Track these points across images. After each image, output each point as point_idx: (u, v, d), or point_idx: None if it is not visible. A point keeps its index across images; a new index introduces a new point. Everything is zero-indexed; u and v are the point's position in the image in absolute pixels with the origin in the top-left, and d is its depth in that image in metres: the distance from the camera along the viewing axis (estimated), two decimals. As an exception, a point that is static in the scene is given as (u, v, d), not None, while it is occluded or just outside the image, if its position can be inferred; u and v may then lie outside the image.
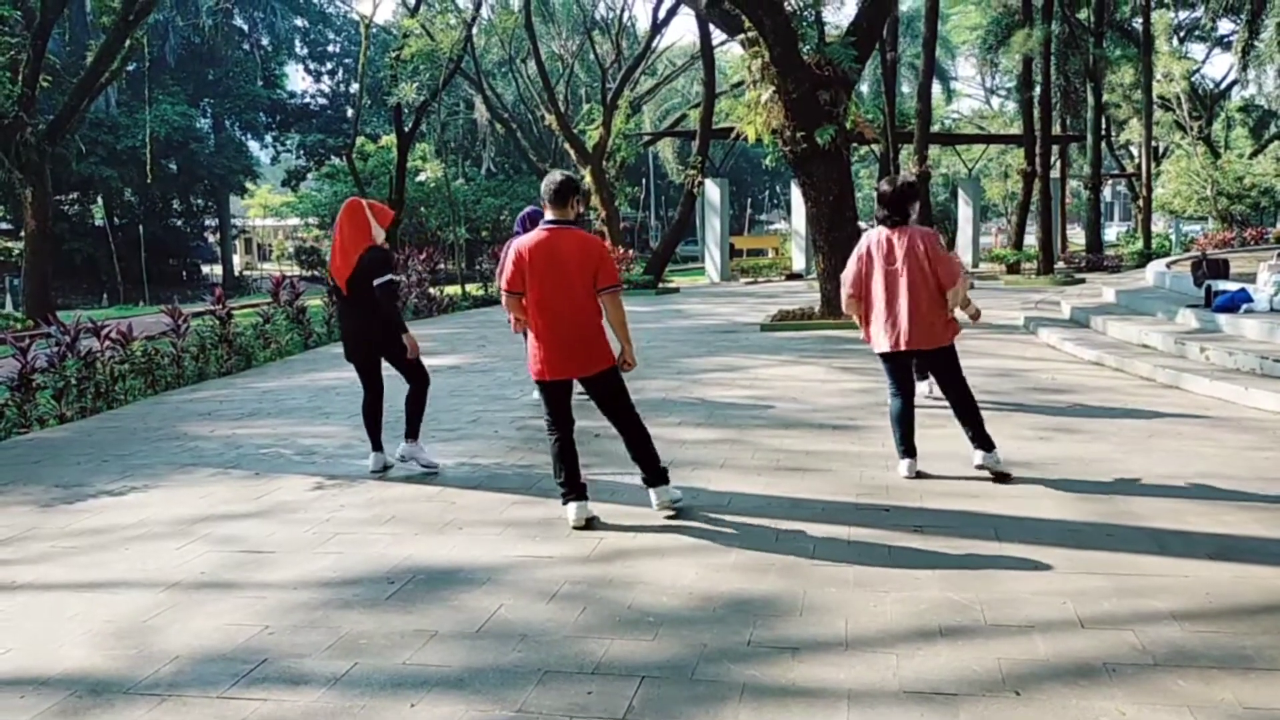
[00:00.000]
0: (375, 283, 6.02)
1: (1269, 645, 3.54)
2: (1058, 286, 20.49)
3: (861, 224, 13.54)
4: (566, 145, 29.05)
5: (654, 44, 32.56)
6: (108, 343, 10.21)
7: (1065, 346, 11.01)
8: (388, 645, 3.77)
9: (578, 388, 5.30)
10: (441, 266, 25.04)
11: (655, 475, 5.26)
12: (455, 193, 35.27)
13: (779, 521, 5.08)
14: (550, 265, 4.97)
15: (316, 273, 38.26)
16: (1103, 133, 31.49)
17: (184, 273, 47.53)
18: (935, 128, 32.88)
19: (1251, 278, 11.93)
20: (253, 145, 52.00)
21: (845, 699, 3.24)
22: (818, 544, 4.74)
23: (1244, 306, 10.64)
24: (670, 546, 4.78)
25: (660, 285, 23.27)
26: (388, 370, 6.44)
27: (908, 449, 5.87)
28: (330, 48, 54.66)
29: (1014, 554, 4.52)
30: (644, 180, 54.65)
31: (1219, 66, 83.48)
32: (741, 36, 14.07)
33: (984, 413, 7.56)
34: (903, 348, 5.74)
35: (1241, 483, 5.57)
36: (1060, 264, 25.77)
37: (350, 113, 43.48)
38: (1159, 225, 45.78)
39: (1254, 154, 42.39)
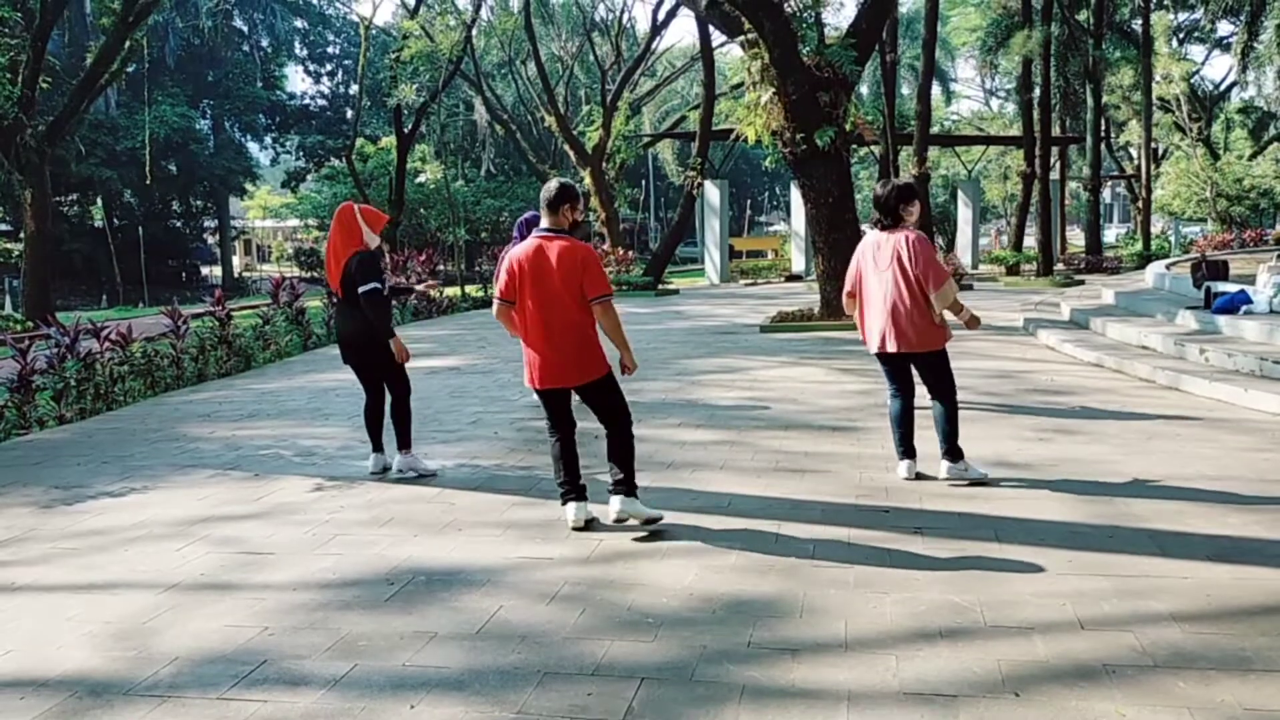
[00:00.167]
0: (359, 290, 6.04)
1: (1268, 646, 3.54)
2: (1057, 288, 20.50)
3: (864, 227, 13.54)
4: (566, 147, 29.09)
5: (653, 45, 32.63)
6: (107, 344, 10.21)
7: (1065, 348, 11.02)
8: (387, 647, 3.77)
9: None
10: (441, 268, 25.08)
11: (625, 484, 5.11)
12: (455, 194, 35.27)
13: (779, 523, 5.08)
14: (539, 275, 4.93)
15: (316, 274, 38.30)
16: (1102, 134, 31.49)
17: (183, 274, 47.54)
18: (935, 129, 32.90)
19: (1251, 279, 11.94)
20: (252, 146, 52.04)
21: (845, 700, 3.24)
22: (817, 545, 4.74)
23: (1243, 308, 10.64)
24: (670, 548, 4.78)
25: (660, 287, 23.28)
26: None
27: (907, 450, 5.87)
28: (330, 49, 54.68)
29: (1014, 555, 4.52)
30: (644, 182, 54.69)
31: (1218, 68, 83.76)
32: (741, 38, 14.08)
33: (984, 414, 7.60)
34: (889, 349, 5.77)
35: (1241, 484, 5.57)
36: (1060, 265, 25.79)
37: (350, 114, 43.51)
38: (1158, 227, 45.83)
39: (1253, 156, 42.41)
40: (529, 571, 4.52)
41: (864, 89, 41.61)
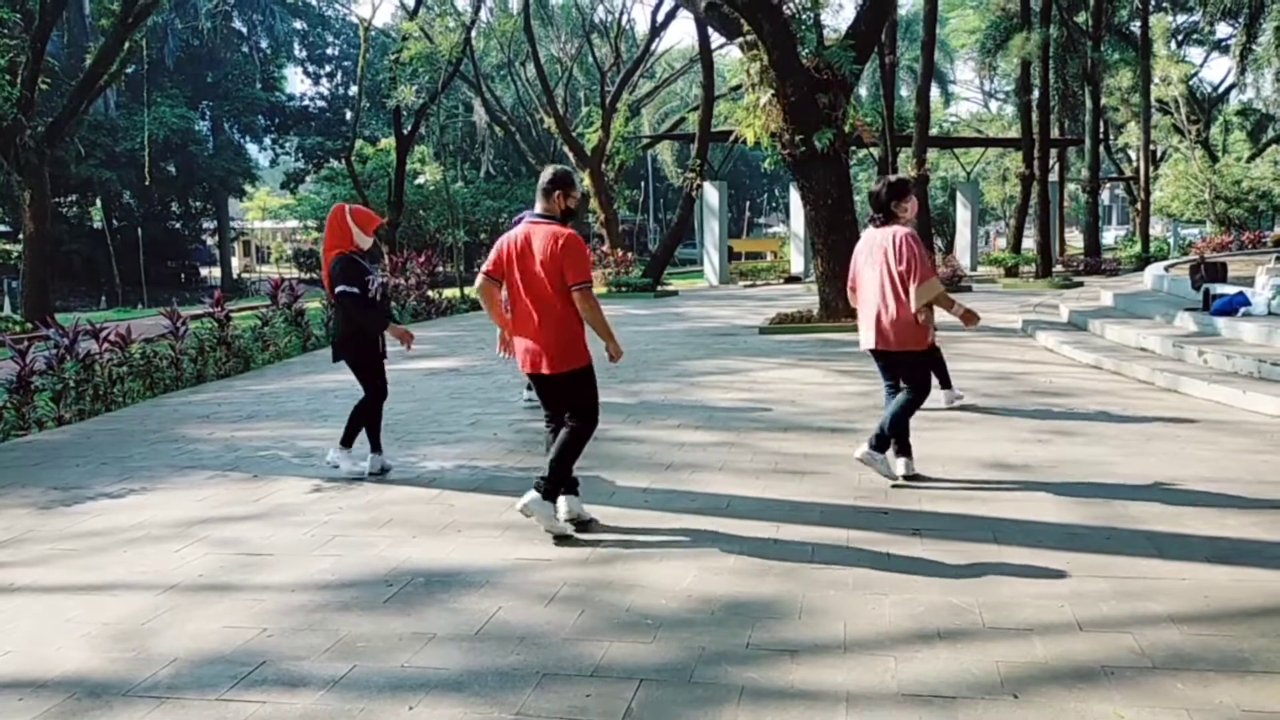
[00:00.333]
0: (336, 290, 6.14)
1: (1267, 648, 3.54)
2: (1056, 289, 20.52)
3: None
4: (565, 148, 29.10)
5: (653, 47, 32.65)
6: (106, 345, 10.21)
7: (1063, 350, 11.02)
8: (386, 648, 3.77)
9: None
10: (440, 269, 25.07)
11: (549, 489, 4.88)
12: (454, 195, 35.28)
13: (777, 524, 5.08)
14: (524, 258, 4.91)
15: (315, 275, 38.27)
16: (1101, 136, 31.54)
17: (182, 275, 47.54)
18: (934, 131, 32.90)
19: (1249, 281, 11.95)
20: (251, 148, 52.03)
21: (844, 701, 3.24)
22: (816, 547, 4.74)
23: (1242, 310, 10.64)
24: (669, 549, 4.78)
25: (659, 288, 23.28)
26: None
27: (902, 448, 5.87)
28: (329, 50, 54.69)
29: (1012, 557, 4.53)
30: (643, 183, 54.71)
31: (1217, 70, 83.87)
32: (740, 40, 14.09)
33: (983, 415, 7.61)
34: (873, 346, 5.84)
35: (1239, 486, 5.57)
36: (1058, 267, 25.81)
37: (349, 115, 43.50)
38: (1157, 229, 45.88)
39: (1252, 158, 42.43)
40: (528, 573, 4.52)
41: (863, 91, 41.64)
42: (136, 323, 16.45)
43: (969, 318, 5.87)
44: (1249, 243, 31.69)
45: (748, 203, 60.35)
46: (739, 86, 19.97)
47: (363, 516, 5.50)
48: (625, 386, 9.54)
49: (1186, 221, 45.23)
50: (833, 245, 13.68)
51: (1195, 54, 43.78)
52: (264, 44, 50.27)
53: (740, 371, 10.33)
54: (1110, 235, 49.99)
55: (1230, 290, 11.22)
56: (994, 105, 49.99)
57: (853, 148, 20.44)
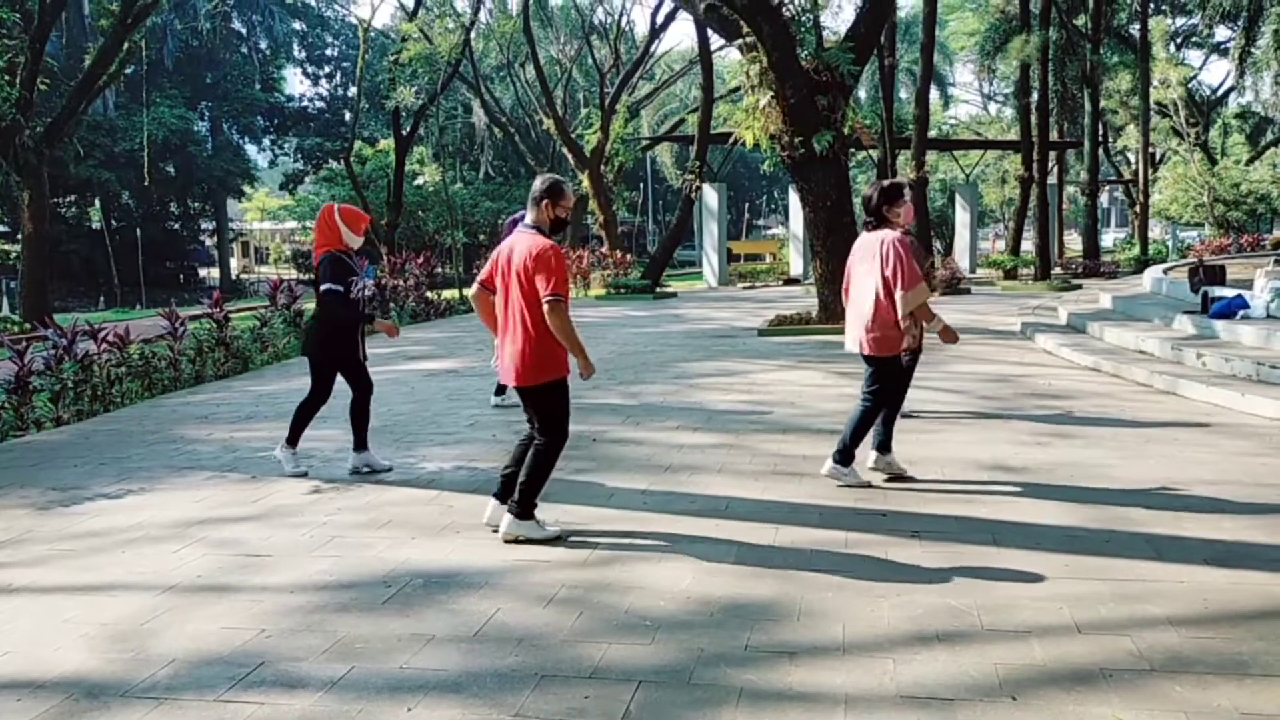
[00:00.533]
0: (320, 289, 6.24)
1: (1265, 651, 3.55)
2: (1055, 292, 20.52)
3: None
4: (564, 149, 29.13)
5: (652, 49, 32.69)
6: (105, 345, 10.19)
7: (1062, 352, 11.03)
8: (385, 649, 3.77)
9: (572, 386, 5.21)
10: (439, 270, 25.07)
11: (521, 511, 4.93)
12: (453, 196, 35.29)
13: (776, 526, 5.08)
14: (507, 268, 4.90)
15: (313, 276, 38.15)
16: (1100, 139, 31.57)
17: (181, 276, 47.51)
18: (933, 133, 32.93)
19: (1248, 284, 11.96)
20: (250, 148, 51.99)
21: (842, 703, 3.24)
22: (815, 549, 4.74)
23: (1240, 313, 10.66)
24: (667, 551, 4.78)
25: (658, 290, 23.28)
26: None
27: (881, 443, 5.90)
28: (328, 51, 54.68)
29: (1011, 559, 4.53)
30: (642, 185, 54.73)
31: (1216, 73, 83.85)
32: (740, 42, 14.10)
33: (982, 418, 7.61)
34: (851, 348, 5.91)
35: (1238, 489, 5.58)
36: (1057, 270, 25.82)
37: (348, 116, 43.47)
38: (1156, 231, 45.95)
39: (1250, 160, 42.51)
40: (526, 574, 4.52)
41: (862, 93, 41.70)
42: (135, 323, 16.43)
43: (946, 335, 5.78)
44: (1248, 245, 31.73)
45: (747, 204, 60.36)
46: (738, 88, 19.98)
47: (361, 518, 5.50)
48: (624, 388, 9.55)
49: (1185, 224, 45.28)
50: (832, 247, 13.68)
51: (1194, 57, 43.93)
52: (263, 45, 50.25)
53: (739, 373, 10.33)
54: (1109, 238, 50.00)
55: (1229, 293, 11.23)
56: (993, 108, 50.04)
57: (852, 150, 20.45)
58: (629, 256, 27.39)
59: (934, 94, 40.18)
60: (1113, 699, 3.23)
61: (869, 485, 5.77)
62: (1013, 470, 6.07)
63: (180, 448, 7.54)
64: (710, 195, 27.23)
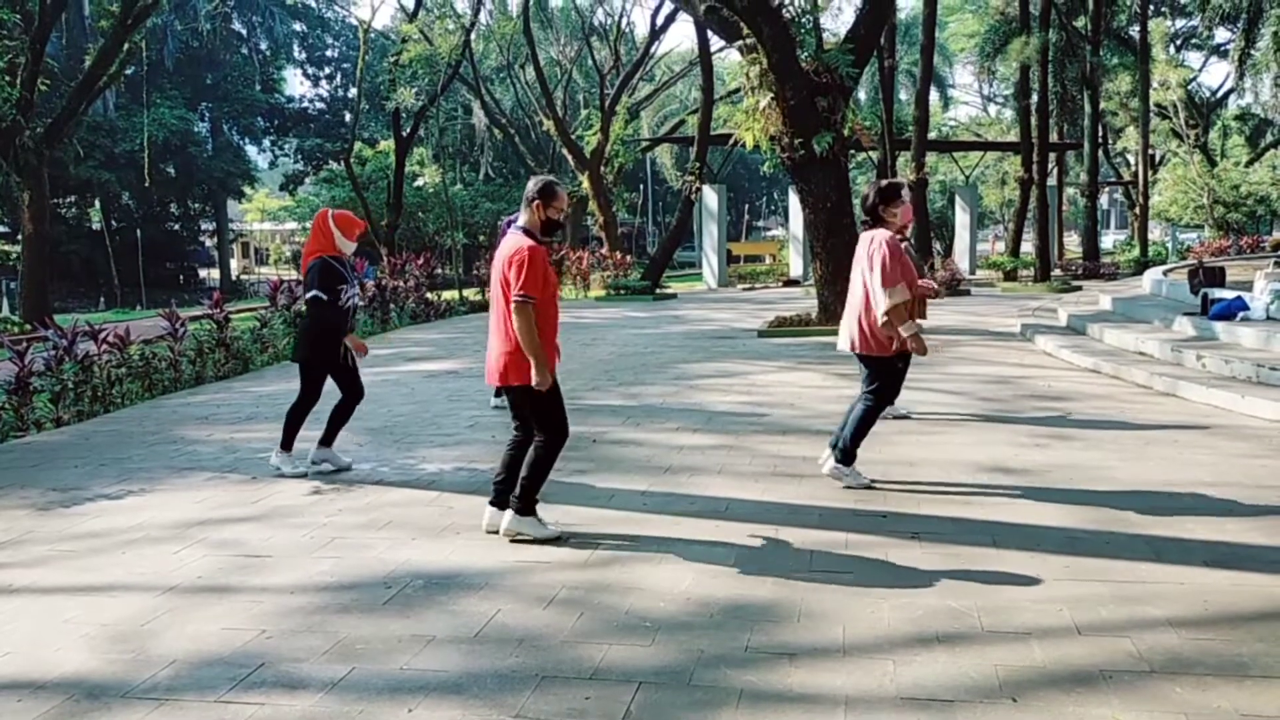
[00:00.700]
0: (306, 296, 6.30)
1: (1265, 653, 3.55)
2: (1055, 294, 20.53)
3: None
4: (564, 151, 29.12)
5: (652, 50, 32.69)
6: (105, 346, 10.19)
7: (1062, 354, 11.03)
8: (385, 650, 3.77)
9: (561, 384, 5.18)
10: (439, 271, 25.06)
11: (523, 507, 4.96)
12: (453, 197, 35.29)
13: (776, 528, 5.09)
14: (494, 269, 4.97)
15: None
16: (1100, 140, 31.58)
17: (181, 276, 47.50)
18: (932, 135, 32.97)
19: (1248, 286, 11.96)
20: (250, 149, 51.99)
21: (843, 705, 3.25)
22: (815, 550, 4.75)
23: (1240, 314, 10.66)
24: (668, 552, 4.78)
25: (657, 291, 23.28)
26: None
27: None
28: (328, 52, 54.69)
29: (1011, 561, 4.53)
30: (642, 186, 54.75)
31: (1216, 75, 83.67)
32: (740, 43, 14.10)
33: (981, 419, 7.61)
34: (844, 348, 5.93)
35: (1238, 490, 5.58)
36: (1057, 271, 25.83)
37: (348, 117, 43.48)
38: (1155, 233, 45.97)
39: (1250, 162, 42.53)
40: (526, 575, 4.52)
41: (862, 94, 41.73)
42: (135, 324, 16.43)
43: (915, 343, 5.66)
44: (1247, 247, 31.72)
45: (747, 206, 60.39)
46: (738, 90, 19.99)
47: (361, 518, 5.50)
48: (624, 389, 9.55)
49: (1185, 226, 45.29)
50: (831, 249, 13.69)
51: (1194, 59, 44.01)
52: (263, 46, 50.26)
53: (739, 374, 10.33)
54: (1109, 239, 50.05)
55: (1229, 295, 11.24)
56: (993, 109, 50.06)
57: (852, 151, 20.48)
58: (629, 258, 27.39)
59: (934, 95, 40.15)
60: (1113, 700, 3.23)
61: (871, 486, 5.78)
62: (1012, 472, 6.08)
63: (180, 448, 7.54)
64: (710, 196, 27.23)
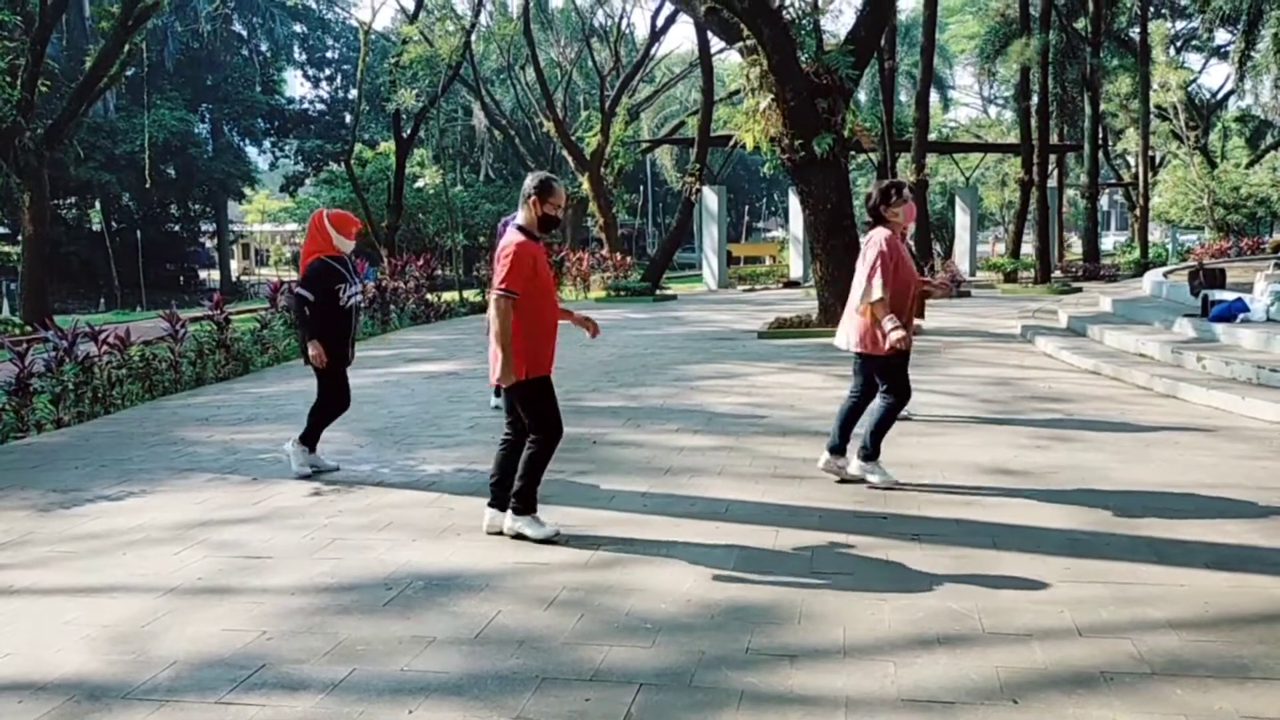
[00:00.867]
0: (294, 291, 6.34)
1: (1266, 654, 3.55)
2: (1055, 295, 20.53)
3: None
4: (564, 152, 29.12)
5: (652, 51, 32.69)
6: (105, 347, 10.19)
7: (1062, 355, 11.03)
8: (385, 651, 3.77)
9: (560, 385, 5.18)
10: (439, 272, 25.06)
11: (521, 507, 4.99)
12: (453, 199, 35.30)
13: (776, 529, 5.09)
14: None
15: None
16: (1100, 142, 31.58)
17: (181, 278, 47.55)
18: (933, 136, 32.97)
19: (1248, 287, 11.96)
20: (251, 151, 52.05)
21: (843, 707, 3.25)
22: (815, 552, 4.75)
23: (1240, 316, 10.66)
24: (668, 553, 4.78)
25: (658, 292, 23.29)
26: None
27: (832, 442, 5.98)
28: (329, 54, 54.74)
29: (1012, 562, 4.53)
30: (642, 187, 54.77)
31: (1215, 76, 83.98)
32: (740, 45, 14.11)
33: (982, 421, 7.61)
34: (839, 344, 5.99)
35: (1239, 492, 5.58)
36: (1057, 273, 25.84)
37: (349, 119, 43.53)
38: (1156, 235, 45.96)
39: (1250, 164, 42.54)
40: (527, 576, 4.52)
41: (862, 96, 41.70)
42: (135, 325, 16.42)
43: (897, 337, 5.62)
44: (1247, 249, 31.71)
45: (747, 207, 60.41)
46: (738, 91, 20.00)
47: (362, 520, 5.50)
48: (625, 390, 9.55)
49: (1185, 227, 45.28)
50: (831, 250, 13.69)
51: (1194, 60, 43.97)
52: (264, 47, 50.30)
53: (739, 376, 10.33)
54: (1109, 241, 50.05)
55: (1229, 296, 11.24)
56: (993, 111, 50.10)
57: (852, 153, 20.47)
58: (629, 259, 27.40)
59: (934, 97, 40.15)
60: (1114, 702, 3.23)
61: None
62: (1013, 473, 6.08)
63: (181, 450, 7.54)
64: (710, 198, 27.24)
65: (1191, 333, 10.90)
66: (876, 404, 5.86)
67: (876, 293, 5.62)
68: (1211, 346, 10.03)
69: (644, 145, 37.85)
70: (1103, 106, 32.55)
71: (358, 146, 35.84)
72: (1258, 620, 3.86)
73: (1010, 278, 24.43)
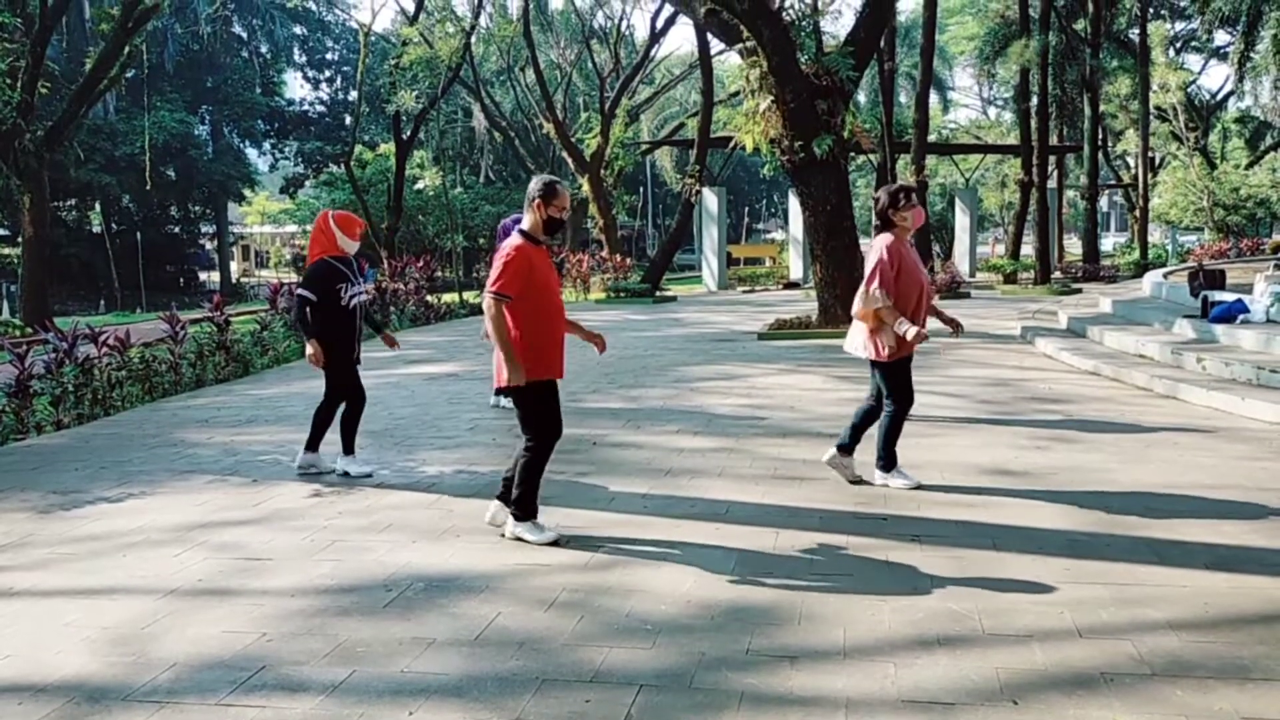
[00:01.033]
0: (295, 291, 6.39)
1: (1266, 655, 3.55)
2: (1055, 296, 20.52)
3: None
4: (564, 153, 29.14)
5: (652, 53, 32.71)
6: (105, 349, 10.19)
7: (1062, 356, 11.03)
8: (386, 653, 3.77)
9: (561, 386, 5.17)
10: (439, 274, 25.07)
11: (519, 507, 5.00)
12: (453, 200, 35.31)
13: (777, 530, 5.09)
14: None
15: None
16: (1099, 143, 31.60)
17: (181, 279, 47.54)
18: (932, 137, 32.97)
19: (1248, 288, 11.96)
20: (251, 152, 52.04)
21: (843, 707, 3.24)
22: (816, 553, 4.75)
23: (1240, 317, 10.66)
24: (668, 555, 4.78)
25: (658, 293, 23.30)
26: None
27: (842, 440, 5.97)
28: (329, 55, 54.75)
29: (1012, 564, 4.53)
30: (642, 189, 54.77)
31: (1215, 77, 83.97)
32: (740, 46, 14.12)
33: (982, 422, 7.61)
34: (847, 349, 5.99)
35: (1238, 493, 5.58)
36: (1057, 274, 25.84)
37: (349, 120, 43.55)
38: (1155, 236, 45.96)
39: (1250, 165, 42.53)
40: (527, 578, 4.52)
41: (862, 97, 41.69)
42: (135, 327, 16.42)
43: (894, 352, 5.68)
44: (1247, 250, 31.71)
45: (747, 208, 60.42)
46: (738, 93, 20.01)
47: (362, 521, 5.50)
48: (625, 392, 9.55)
49: (1185, 228, 45.28)
50: (831, 251, 13.70)
51: (1194, 61, 43.98)
52: (264, 49, 50.30)
53: (739, 377, 10.33)
54: (1109, 242, 50.07)
55: (1229, 297, 11.24)
56: (993, 112, 50.14)
57: (852, 154, 20.48)
58: (629, 260, 27.41)
59: (933, 98, 40.14)
60: (1114, 703, 3.23)
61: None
62: (1013, 474, 6.08)
63: (181, 451, 7.54)
64: (710, 199, 27.24)
65: (1191, 334, 10.90)
66: (885, 414, 5.84)
67: (876, 301, 5.62)
68: (1211, 347, 10.03)
69: (644, 147, 37.87)
70: (1102, 108, 32.58)
71: (358, 148, 35.85)
72: (1258, 621, 3.86)
73: (1010, 279, 24.42)
